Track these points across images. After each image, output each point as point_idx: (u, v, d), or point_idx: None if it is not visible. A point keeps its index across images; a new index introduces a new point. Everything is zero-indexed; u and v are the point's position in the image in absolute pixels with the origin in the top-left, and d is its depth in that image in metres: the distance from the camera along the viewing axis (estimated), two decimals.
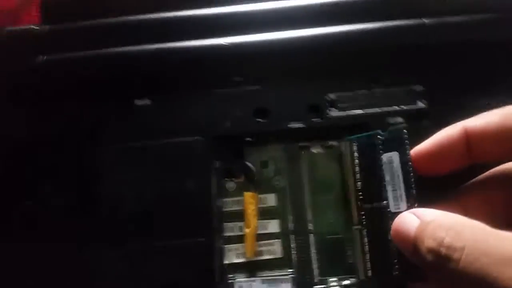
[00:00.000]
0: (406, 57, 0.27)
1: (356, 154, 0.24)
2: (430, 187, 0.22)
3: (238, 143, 0.27)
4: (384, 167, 0.23)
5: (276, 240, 0.26)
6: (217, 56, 0.27)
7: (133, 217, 0.26)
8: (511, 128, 0.19)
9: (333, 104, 0.27)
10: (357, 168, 0.24)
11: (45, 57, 0.29)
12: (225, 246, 0.26)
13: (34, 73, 0.28)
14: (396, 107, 0.26)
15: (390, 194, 0.23)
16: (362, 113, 0.26)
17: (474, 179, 0.22)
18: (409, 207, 0.22)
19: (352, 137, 0.25)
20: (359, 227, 0.24)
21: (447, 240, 0.17)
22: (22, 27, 0.30)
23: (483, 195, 0.21)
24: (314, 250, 0.25)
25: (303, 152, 0.27)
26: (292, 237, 0.26)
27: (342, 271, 0.25)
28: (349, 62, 0.27)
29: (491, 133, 0.19)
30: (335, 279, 0.25)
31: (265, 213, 0.26)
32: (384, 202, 0.23)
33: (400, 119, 0.26)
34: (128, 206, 0.26)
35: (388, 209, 0.23)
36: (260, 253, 0.26)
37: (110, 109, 0.27)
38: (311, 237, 0.26)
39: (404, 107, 0.26)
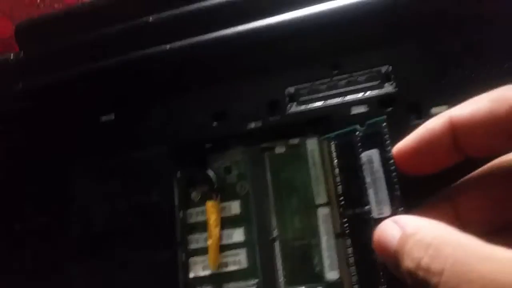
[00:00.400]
0: (368, 33, 0.24)
1: (334, 154, 0.22)
2: (419, 186, 0.19)
3: (199, 151, 0.26)
4: (364, 167, 0.21)
5: (241, 249, 0.24)
6: (164, 62, 0.26)
7: (98, 232, 0.26)
8: (502, 116, 0.15)
9: (292, 98, 0.25)
10: (336, 170, 0.22)
11: (20, 84, 0.30)
12: (191, 258, 0.25)
13: (12, 100, 0.30)
14: (360, 95, 0.24)
15: (372, 198, 0.20)
16: (324, 106, 0.24)
17: (466, 177, 0.19)
18: (393, 212, 0.19)
19: (329, 135, 0.22)
20: (342, 236, 0.21)
21: (425, 262, 0.14)
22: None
23: (476, 194, 0.17)
24: (280, 258, 0.24)
25: (266, 154, 0.25)
26: (257, 245, 0.24)
27: (310, 278, 0.23)
28: (307, 49, 0.25)
29: (480, 122, 0.16)
30: (303, 287, 0.23)
31: (229, 222, 0.25)
32: (366, 207, 0.20)
33: (363, 109, 0.23)
34: (94, 222, 0.26)
35: (371, 215, 0.20)
36: (226, 264, 0.24)
37: (78, 127, 0.28)
38: (276, 245, 0.24)
39: (369, 94, 0.24)
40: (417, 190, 0.19)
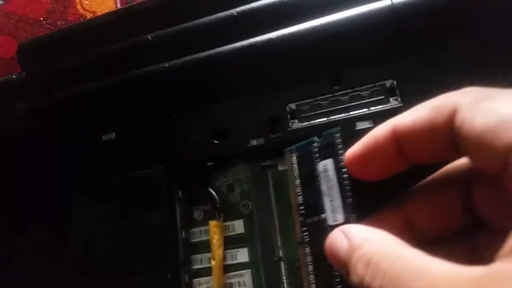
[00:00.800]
0: (371, 47, 0.24)
1: (295, 165, 0.22)
2: (375, 193, 0.19)
3: (200, 169, 0.26)
4: (320, 176, 0.21)
5: (246, 270, 0.24)
6: (163, 80, 0.26)
7: (99, 252, 0.25)
8: (441, 124, 0.15)
9: (294, 115, 0.24)
10: (297, 181, 0.22)
11: (22, 104, 0.30)
12: (195, 280, 0.24)
13: (14, 120, 0.30)
14: (365, 110, 0.23)
15: (327, 206, 0.20)
16: (327, 121, 0.24)
17: (417, 184, 0.18)
18: (346, 219, 0.19)
19: (290, 148, 0.22)
20: (302, 244, 0.21)
21: (366, 280, 0.14)
22: (1, 78, 0.31)
23: (424, 202, 0.17)
24: (285, 278, 0.23)
25: (269, 171, 0.25)
26: (261, 266, 0.24)
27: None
28: (307, 64, 0.25)
29: (420, 131, 0.15)
30: None
31: (234, 242, 0.24)
32: (323, 215, 0.20)
33: (368, 124, 0.23)
34: (95, 242, 0.26)
35: (327, 223, 0.20)
36: (230, 285, 0.24)
37: (79, 146, 0.28)
38: (282, 265, 0.23)
39: (374, 108, 0.23)
40: (376, 196, 0.19)
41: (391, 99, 0.23)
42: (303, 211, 0.21)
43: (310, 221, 0.21)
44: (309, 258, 0.21)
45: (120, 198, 0.26)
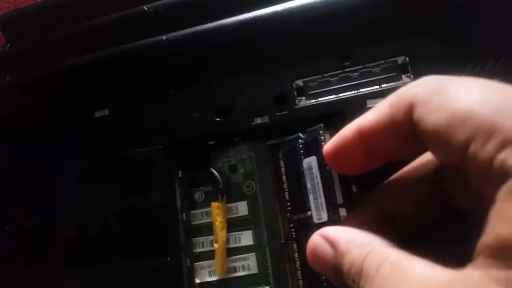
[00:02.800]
0: (382, 21, 0.23)
1: (281, 162, 0.22)
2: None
3: (202, 148, 0.24)
4: (305, 173, 0.21)
5: (251, 253, 0.23)
6: (161, 53, 0.25)
7: (95, 237, 0.24)
8: (400, 120, 0.15)
9: (301, 92, 0.23)
10: (283, 177, 0.22)
11: (7, 79, 0.28)
12: (196, 263, 0.23)
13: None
14: (376, 87, 0.22)
15: (312, 204, 0.20)
16: (336, 99, 0.23)
17: (390, 178, 0.18)
18: (330, 217, 0.19)
19: (275, 142, 0.23)
20: (288, 240, 0.22)
21: (362, 284, 0.14)
22: None
23: (401, 194, 0.17)
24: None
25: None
26: (267, 249, 0.23)
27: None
28: (315, 38, 0.23)
29: (381, 129, 0.15)
30: None
31: (237, 224, 0.23)
32: (308, 212, 0.20)
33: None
34: (89, 226, 0.24)
35: (312, 220, 0.20)
36: (234, 269, 0.23)
37: (70, 123, 0.26)
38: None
39: (386, 86, 0.22)
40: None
41: (403, 76, 0.22)
42: (289, 208, 0.21)
43: (296, 217, 0.21)
44: (296, 255, 0.21)
45: (115, 178, 0.25)
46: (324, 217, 0.20)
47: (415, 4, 0.22)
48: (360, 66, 0.23)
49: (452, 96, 0.13)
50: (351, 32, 0.23)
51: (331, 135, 0.18)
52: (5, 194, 0.27)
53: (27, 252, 0.25)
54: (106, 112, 0.26)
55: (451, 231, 0.16)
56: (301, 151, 0.21)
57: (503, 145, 0.11)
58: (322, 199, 0.20)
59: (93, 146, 0.25)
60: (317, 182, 0.20)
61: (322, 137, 0.20)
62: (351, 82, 0.23)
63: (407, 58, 0.22)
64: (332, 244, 0.16)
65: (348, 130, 0.16)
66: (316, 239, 0.16)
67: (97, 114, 0.26)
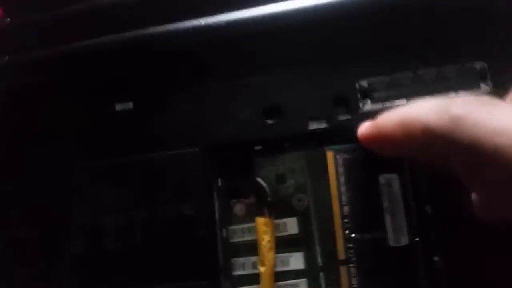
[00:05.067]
0: (460, 22, 0.20)
1: (341, 169, 0.20)
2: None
3: (246, 154, 0.21)
4: (383, 190, 0.19)
5: (302, 280, 0.20)
6: (207, 40, 0.21)
7: (116, 253, 0.20)
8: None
9: (366, 94, 0.20)
10: (343, 188, 0.20)
11: (6, 58, 0.23)
12: None
13: None
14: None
15: (389, 225, 0.19)
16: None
17: None
18: (410, 242, 0.18)
19: (335, 147, 0.20)
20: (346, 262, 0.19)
21: None
22: None
23: None
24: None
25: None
26: (321, 275, 0.20)
27: None
28: (384, 35, 0.20)
29: None
30: None
31: (285, 244, 0.20)
32: (382, 233, 0.19)
33: None
34: (109, 240, 0.20)
35: (387, 243, 0.19)
36: None
37: (83, 116, 0.22)
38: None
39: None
40: None
41: (481, 83, 0.20)
42: (350, 224, 0.19)
43: (360, 237, 0.19)
44: (354, 280, 0.19)
45: (137, 184, 0.21)
46: (404, 240, 0.18)
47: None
48: (434, 69, 0.20)
49: None
50: (425, 31, 0.20)
51: None
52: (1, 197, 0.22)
53: (21, 266, 0.21)
54: (130, 105, 0.22)
55: None
56: (373, 163, 0.19)
57: None
58: (403, 222, 0.18)
59: (114, 144, 0.21)
60: (398, 202, 0.18)
61: None
62: (424, 85, 0.20)
63: (485, 64, 0.20)
64: None
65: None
66: None
67: (119, 107, 0.22)
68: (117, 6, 0.23)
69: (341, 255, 0.19)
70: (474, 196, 0.16)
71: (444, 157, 0.15)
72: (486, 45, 0.20)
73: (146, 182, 0.21)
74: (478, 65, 0.20)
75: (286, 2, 0.21)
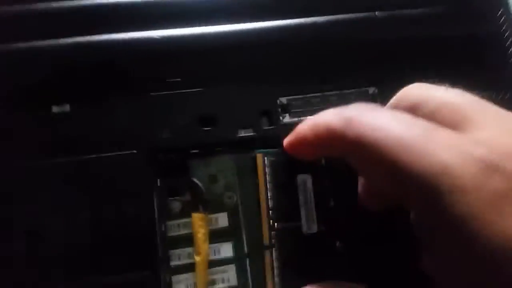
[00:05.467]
0: (357, 54, 0.26)
1: (268, 170, 0.23)
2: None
3: (183, 157, 0.23)
4: (299, 188, 0.23)
5: (230, 265, 0.23)
6: (150, 51, 0.23)
7: (61, 252, 0.21)
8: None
9: (285, 109, 0.24)
10: (269, 185, 0.23)
11: None
12: (174, 277, 0.22)
13: None
14: None
15: (303, 215, 0.23)
16: None
17: None
18: (319, 230, 0.23)
19: (264, 150, 0.24)
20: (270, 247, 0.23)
21: None
22: None
23: None
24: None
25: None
26: (247, 260, 0.23)
27: None
28: (300, 60, 0.25)
29: None
30: None
31: (216, 235, 0.23)
32: (297, 223, 0.23)
33: None
34: (53, 239, 0.21)
35: (301, 230, 0.23)
36: (213, 282, 0.23)
37: (21, 118, 0.22)
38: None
39: None
40: None
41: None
42: (273, 215, 0.23)
43: (281, 226, 0.23)
44: (276, 262, 0.22)
45: (85, 185, 0.22)
46: (314, 228, 0.22)
47: (384, 37, 0.26)
48: (337, 92, 0.25)
49: None
50: (330, 60, 0.25)
51: None
52: None
53: None
54: (67, 108, 0.23)
55: None
56: (293, 165, 0.23)
57: None
58: (313, 213, 0.22)
59: (51, 146, 0.22)
60: (310, 198, 0.23)
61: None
62: (329, 104, 0.25)
63: (376, 89, 0.25)
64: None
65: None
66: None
67: (55, 109, 0.22)
68: (56, 12, 0.23)
69: (266, 241, 0.23)
70: (361, 182, 0.22)
71: (342, 150, 0.18)
72: (377, 74, 0.25)
73: (88, 182, 0.22)
74: (371, 89, 0.25)
75: (224, 25, 0.24)
